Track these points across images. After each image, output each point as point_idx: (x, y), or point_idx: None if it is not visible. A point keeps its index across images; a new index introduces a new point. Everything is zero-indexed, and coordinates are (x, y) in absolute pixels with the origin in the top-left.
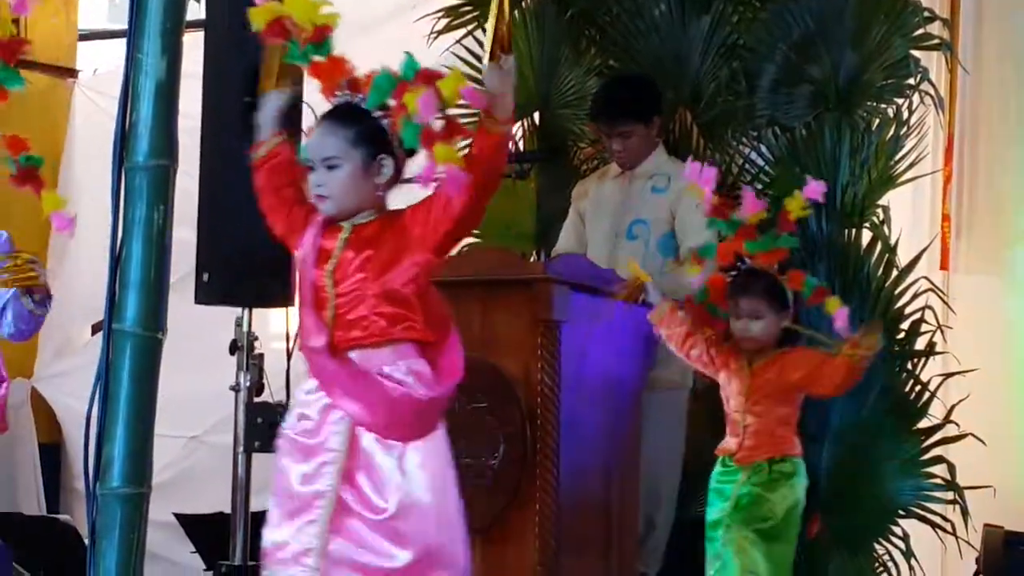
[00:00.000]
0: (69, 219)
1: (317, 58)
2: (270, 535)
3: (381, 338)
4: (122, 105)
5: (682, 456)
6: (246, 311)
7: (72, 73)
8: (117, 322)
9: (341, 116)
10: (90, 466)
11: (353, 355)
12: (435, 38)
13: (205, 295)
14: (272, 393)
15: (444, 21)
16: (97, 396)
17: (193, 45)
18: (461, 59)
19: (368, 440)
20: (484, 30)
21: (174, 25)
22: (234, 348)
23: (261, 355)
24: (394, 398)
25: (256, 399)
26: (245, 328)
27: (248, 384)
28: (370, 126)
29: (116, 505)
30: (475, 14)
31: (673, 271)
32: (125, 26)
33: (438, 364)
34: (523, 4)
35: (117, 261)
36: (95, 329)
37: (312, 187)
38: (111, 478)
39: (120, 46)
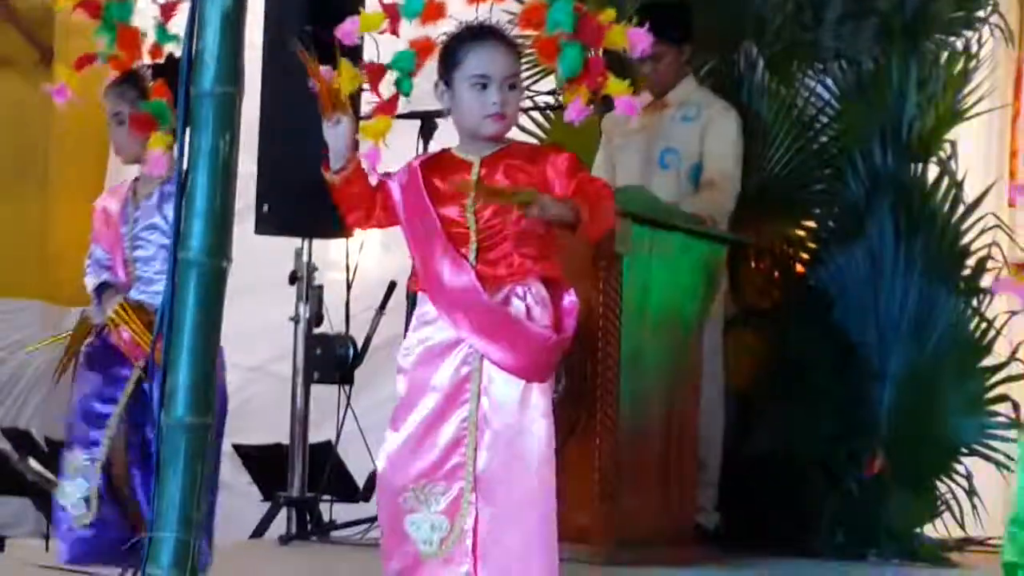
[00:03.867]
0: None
1: None
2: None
3: (526, 276)
4: (188, 33)
5: (723, 391)
6: (305, 242)
7: None
8: (183, 251)
9: (506, 38)
10: (155, 395)
11: (499, 296)
12: None
13: (265, 226)
14: (332, 324)
15: None
16: (163, 325)
17: None
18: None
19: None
20: None
21: None
22: (293, 279)
23: (320, 287)
24: (540, 344)
25: (316, 330)
26: (305, 259)
27: (308, 315)
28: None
29: (180, 435)
30: None
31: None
32: None
33: (561, 304)
34: None
35: (183, 189)
36: None
37: (490, 105)
38: (175, 407)
39: None
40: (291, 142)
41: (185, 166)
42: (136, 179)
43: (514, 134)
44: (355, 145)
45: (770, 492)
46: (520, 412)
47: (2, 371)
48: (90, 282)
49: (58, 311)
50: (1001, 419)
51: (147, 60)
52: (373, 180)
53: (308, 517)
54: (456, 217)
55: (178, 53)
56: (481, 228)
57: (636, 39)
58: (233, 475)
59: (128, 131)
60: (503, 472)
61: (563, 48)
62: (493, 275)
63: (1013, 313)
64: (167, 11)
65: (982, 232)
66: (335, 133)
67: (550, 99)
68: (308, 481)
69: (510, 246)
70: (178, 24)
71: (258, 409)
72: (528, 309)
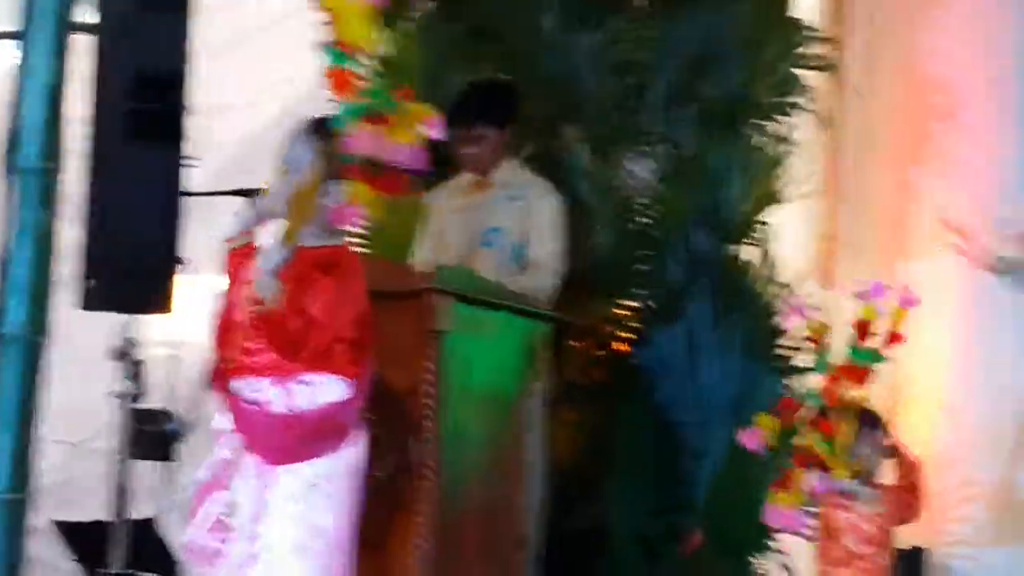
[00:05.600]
0: None
1: None
2: None
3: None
4: (13, 108)
5: (545, 466)
6: (130, 317)
7: None
8: (2, 326)
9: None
10: None
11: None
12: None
13: (91, 301)
14: (155, 400)
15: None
16: None
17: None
18: None
19: None
20: None
21: (63, 29)
22: (117, 354)
23: (143, 362)
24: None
25: (138, 406)
26: (128, 335)
27: (131, 391)
28: None
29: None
30: None
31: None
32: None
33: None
34: (413, 16)
35: (3, 265)
36: None
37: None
38: None
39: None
40: (118, 217)
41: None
42: None
43: None
44: None
45: (591, 567)
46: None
47: None
48: None
49: None
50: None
51: None
52: None
53: None
54: None
55: None
56: None
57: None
58: (55, 551)
59: None
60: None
61: None
62: None
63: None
64: None
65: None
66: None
67: None
68: (130, 558)
69: None
70: None
71: (80, 486)
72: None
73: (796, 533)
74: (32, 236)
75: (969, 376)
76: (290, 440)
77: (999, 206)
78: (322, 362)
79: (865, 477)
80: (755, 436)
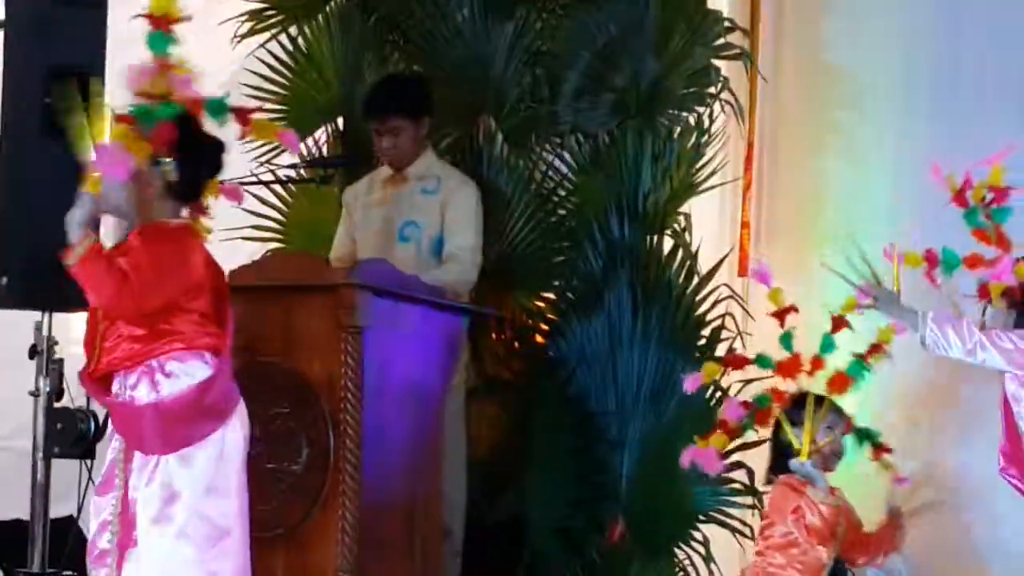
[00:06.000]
0: None
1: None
2: None
3: None
4: None
5: (465, 458)
6: (46, 315)
7: None
8: None
9: None
10: None
11: None
12: (239, 42)
13: (5, 299)
14: (73, 399)
15: (248, 24)
16: None
17: None
18: (264, 62)
19: None
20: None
21: None
22: (34, 352)
23: (61, 360)
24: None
25: (56, 404)
26: (45, 332)
27: (48, 389)
28: None
29: None
30: (280, 18)
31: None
32: None
33: None
34: (327, 8)
35: None
36: None
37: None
38: None
39: None
40: (30, 213)
41: None
42: None
43: (255, 206)
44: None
45: (513, 559)
46: None
47: None
48: None
49: None
50: (736, 486)
51: None
52: None
53: None
54: None
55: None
56: None
57: (286, 139)
58: None
59: None
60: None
61: None
62: None
63: (747, 382)
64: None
65: (716, 303)
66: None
67: (291, 172)
68: (49, 556)
69: None
70: None
71: None
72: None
73: (711, 473)
74: None
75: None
76: (159, 428)
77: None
78: (170, 335)
79: (827, 462)
80: (709, 455)
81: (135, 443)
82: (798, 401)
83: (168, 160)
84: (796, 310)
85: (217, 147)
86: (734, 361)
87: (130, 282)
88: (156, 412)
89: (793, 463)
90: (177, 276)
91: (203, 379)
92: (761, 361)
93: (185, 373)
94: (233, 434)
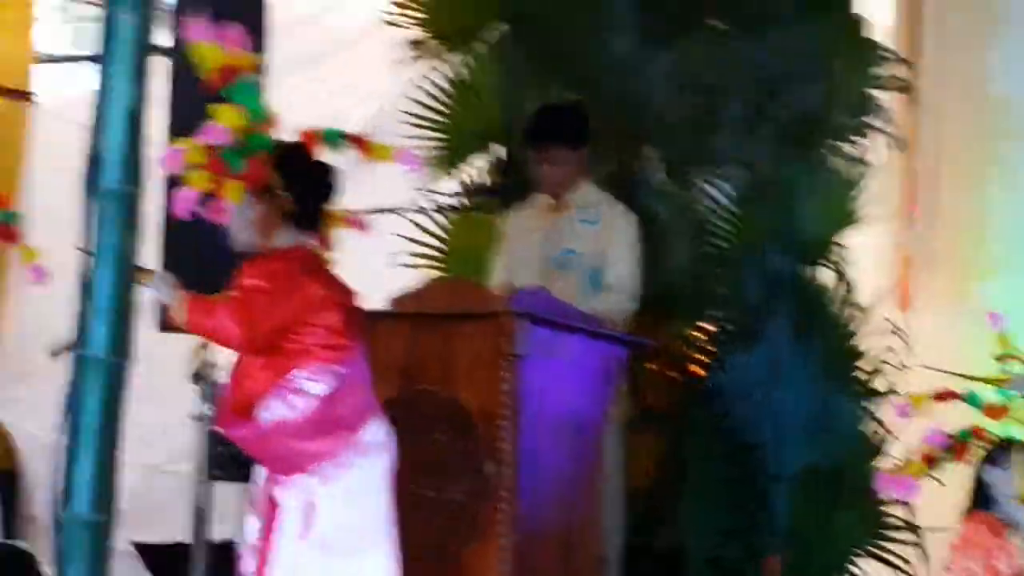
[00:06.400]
0: (43, 271)
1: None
2: None
3: None
4: (94, 131)
5: (622, 488)
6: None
7: (28, 97)
8: (85, 348)
9: None
10: (57, 492)
11: None
12: (398, 70)
13: (170, 323)
14: None
15: (407, 53)
16: (64, 422)
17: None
18: (426, 91)
19: None
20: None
21: (142, 52)
22: (196, 377)
23: (224, 385)
24: None
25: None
26: (207, 357)
27: (210, 414)
28: None
29: (81, 532)
30: (440, 47)
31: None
32: (83, 52)
33: None
34: (487, 36)
35: (85, 287)
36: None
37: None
38: (76, 504)
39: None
40: (196, 240)
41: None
42: None
43: (414, 233)
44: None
45: None
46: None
47: None
48: None
49: None
50: (894, 520)
51: None
52: None
53: None
54: None
55: None
56: None
57: (405, 160)
58: (134, 573)
59: None
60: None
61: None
62: None
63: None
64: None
65: (877, 336)
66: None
67: (453, 201)
68: None
69: None
70: None
71: (159, 507)
72: None
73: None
74: (113, 259)
75: None
76: (291, 446)
77: None
78: (298, 352)
79: None
80: (905, 483)
81: (272, 465)
82: (1004, 445)
83: (283, 191)
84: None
85: (328, 173)
86: (943, 395)
87: (242, 309)
88: (283, 431)
89: (1007, 506)
90: (289, 295)
91: (330, 392)
92: (971, 399)
93: (314, 387)
94: (375, 449)
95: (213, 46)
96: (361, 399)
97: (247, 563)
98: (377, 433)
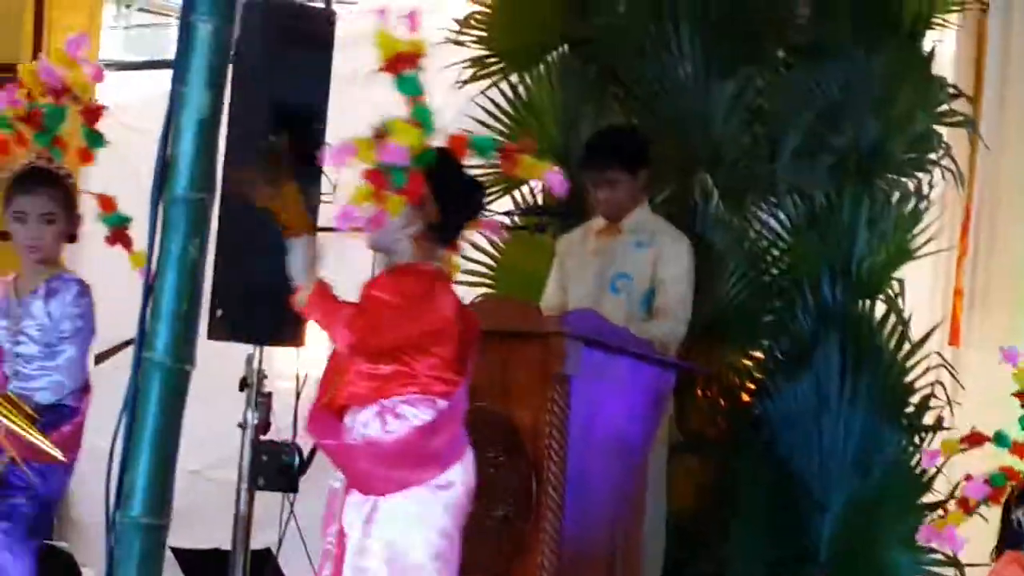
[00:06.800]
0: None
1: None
2: None
3: None
4: (163, 138)
5: (665, 512)
6: (257, 348)
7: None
8: (147, 351)
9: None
10: (111, 494)
11: None
12: (460, 88)
13: (217, 331)
14: (279, 432)
15: (469, 71)
16: (123, 424)
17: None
18: (485, 110)
19: None
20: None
21: (220, 61)
22: (243, 385)
23: (270, 393)
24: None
25: (262, 437)
26: (256, 365)
27: (256, 422)
28: None
29: (135, 535)
30: (501, 66)
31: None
32: (142, 58)
33: None
34: (549, 57)
35: (150, 291)
36: (98, 359)
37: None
38: (132, 507)
39: (137, 78)
40: (247, 247)
41: (153, 268)
42: (16, 275)
43: (467, 251)
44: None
45: None
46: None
47: None
48: None
49: None
50: (938, 556)
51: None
52: None
53: None
54: None
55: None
56: None
57: (552, 180)
58: None
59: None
60: None
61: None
62: None
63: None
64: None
65: (926, 370)
66: (291, 256)
67: (505, 219)
68: None
69: None
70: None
71: (197, 514)
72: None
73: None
74: (179, 265)
75: None
76: (376, 468)
77: None
78: (407, 376)
79: None
80: (950, 536)
81: (353, 480)
82: None
83: (432, 203)
84: None
85: (477, 189)
86: (972, 438)
87: (363, 318)
88: (374, 451)
89: None
90: (419, 318)
91: (426, 423)
92: (1000, 440)
93: (414, 416)
94: (456, 483)
95: (388, 33)
96: (457, 434)
97: (322, 569)
98: (465, 466)
